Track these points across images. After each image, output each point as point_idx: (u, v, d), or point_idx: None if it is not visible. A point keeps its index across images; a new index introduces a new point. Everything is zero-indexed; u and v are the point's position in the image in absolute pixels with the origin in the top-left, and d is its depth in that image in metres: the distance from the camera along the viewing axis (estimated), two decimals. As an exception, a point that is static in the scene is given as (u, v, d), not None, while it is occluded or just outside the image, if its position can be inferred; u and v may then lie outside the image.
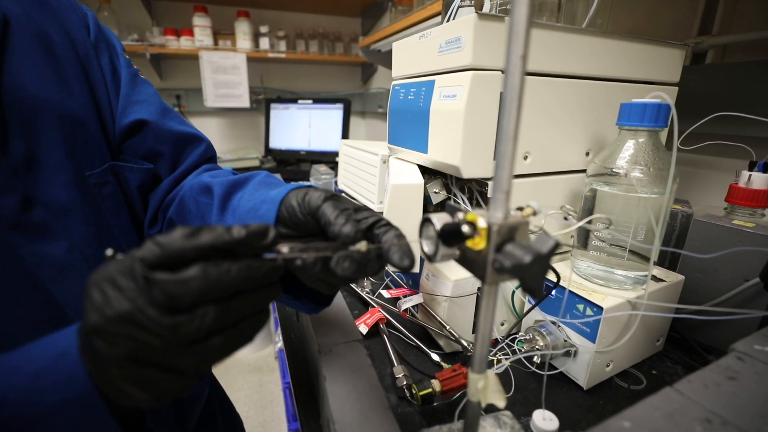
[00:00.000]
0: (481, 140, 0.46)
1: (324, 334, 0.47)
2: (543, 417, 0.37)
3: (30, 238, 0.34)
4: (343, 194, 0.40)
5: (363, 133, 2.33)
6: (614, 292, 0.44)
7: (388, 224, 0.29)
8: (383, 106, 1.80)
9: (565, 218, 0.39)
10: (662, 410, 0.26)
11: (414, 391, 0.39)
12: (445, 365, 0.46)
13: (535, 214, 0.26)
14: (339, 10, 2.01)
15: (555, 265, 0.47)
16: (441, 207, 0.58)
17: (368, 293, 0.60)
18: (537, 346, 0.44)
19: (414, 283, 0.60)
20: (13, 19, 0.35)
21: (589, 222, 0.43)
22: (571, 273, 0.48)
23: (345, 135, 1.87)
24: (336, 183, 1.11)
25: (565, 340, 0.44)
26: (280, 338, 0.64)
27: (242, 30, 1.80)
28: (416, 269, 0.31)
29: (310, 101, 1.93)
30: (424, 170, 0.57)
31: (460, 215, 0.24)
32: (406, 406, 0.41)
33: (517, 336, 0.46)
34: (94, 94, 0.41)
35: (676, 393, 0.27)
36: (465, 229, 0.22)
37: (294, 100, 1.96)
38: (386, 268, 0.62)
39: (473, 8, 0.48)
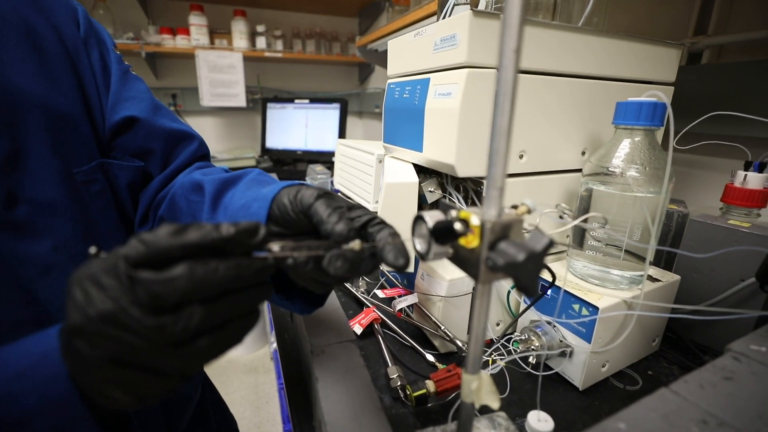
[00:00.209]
0: (477, 138, 0.45)
1: (317, 334, 0.47)
2: (538, 418, 0.36)
3: (13, 236, 0.33)
4: (338, 194, 0.39)
5: (360, 133, 2.32)
6: (610, 292, 0.43)
7: (382, 222, 0.29)
8: (380, 106, 1.79)
9: (561, 217, 0.39)
10: (658, 411, 0.25)
11: (408, 392, 0.39)
12: (440, 366, 0.46)
13: (529, 212, 0.26)
14: (336, 10, 2.00)
15: (550, 265, 0.47)
16: (436, 206, 0.58)
17: (363, 293, 0.60)
18: (532, 347, 0.44)
19: (409, 283, 0.59)
20: None
21: (585, 221, 0.43)
22: (566, 273, 0.47)
23: (342, 135, 1.87)
24: (332, 183, 1.11)
25: (561, 341, 0.44)
26: (275, 339, 0.63)
27: (239, 29, 1.79)
28: (411, 269, 0.30)
29: (307, 101, 1.92)
30: (420, 169, 0.56)
31: (453, 213, 0.23)
32: (400, 407, 0.41)
33: (513, 336, 0.46)
34: (84, 90, 0.40)
35: (671, 394, 0.27)
36: (457, 226, 0.22)
37: (291, 100, 1.95)
38: (381, 268, 0.62)
39: (468, 6, 0.48)
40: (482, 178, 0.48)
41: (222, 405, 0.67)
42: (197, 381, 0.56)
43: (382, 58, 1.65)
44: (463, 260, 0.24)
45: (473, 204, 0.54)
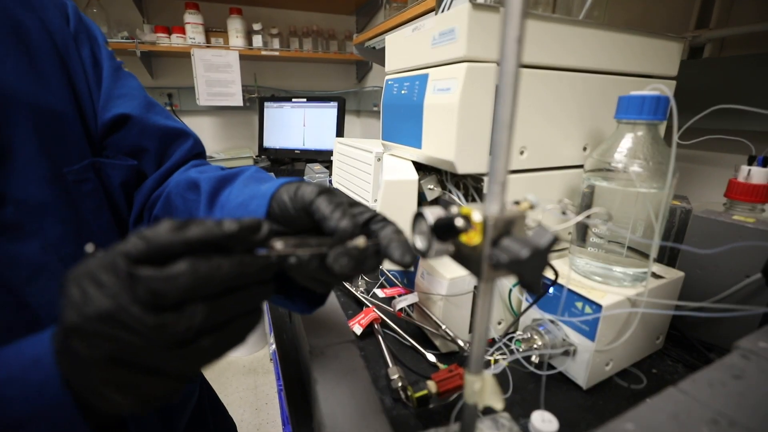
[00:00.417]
0: (476, 134, 0.44)
1: (316, 335, 0.46)
2: (542, 418, 0.35)
3: (1, 237, 0.32)
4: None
5: (358, 131, 2.31)
6: (613, 290, 0.43)
7: (385, 219, 0.28)
8: (378, 105, 1.78)
9: (564, 213, 0.38)
10: (666, 411, 0.25)
11: (409, 393, 0.38)
12: (441, 366, 0.45)
13: (532, 207, 0.25)
14: (333, 8, 1.99)
15: (553, 262, 0.46)
16: (436, 204, 0.57)
17: (362, 293, 0.59)
18: (535, 346, 0.43)
19: (409, 282, 0.59)
20: None
21: (588, 216, 0.42)
22: (569, 270, 0.47)
23: (340, 133, 1.86)
24: (330, 182, 1.10)
25: (564, 339, 0.43)
26: (274, 340, 0.63)
27: (235, 27, 1.78)
28: (411, 267, 0.30)
29: (305, 100, 1.91)
30: (419, 166, 0.55)
31: (454, 209, 0.23)
32: (401, 409, 0.40)
33: (515, 335, 0.45)
34: (74, 87, 0.39)
35: (680, 393, 0.26)
36: (459, 222, 0.21)
37: (288, 99, 1.94)
38: (381, 267, 0.61)
39: (468, -1, 0.47)
40: (482, 174, 0.47)
41: (220, 407, 0.66)
42: (195, 382, 0.55)
43: (379, 55, 1.64)
44: (465, 258, 0.23)
45: (473, 201, 0.53)
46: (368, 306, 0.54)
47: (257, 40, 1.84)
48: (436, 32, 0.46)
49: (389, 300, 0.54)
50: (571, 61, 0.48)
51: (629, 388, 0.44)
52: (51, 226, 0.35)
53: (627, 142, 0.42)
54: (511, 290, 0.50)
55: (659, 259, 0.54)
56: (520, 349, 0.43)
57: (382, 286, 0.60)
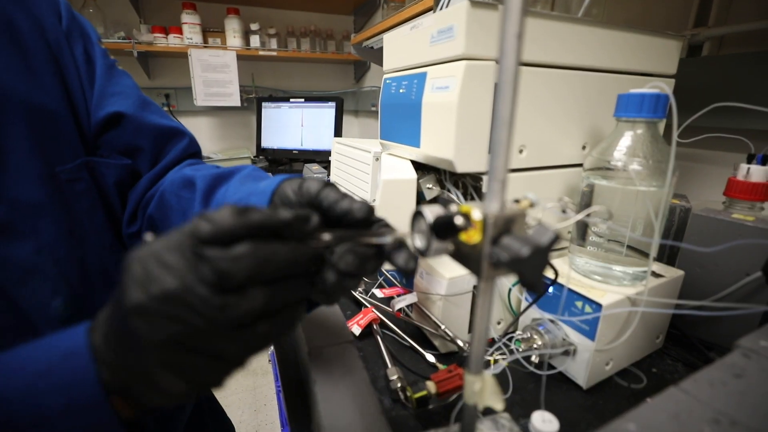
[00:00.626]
0: (475, 133, 0.44)
1: (315, 336, 0.45)
2: (542, 419, 0.35)
3: None
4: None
5: (356, 131, 2.31)
6: (613, 289, 0.42)
7: (388, 225, 0.28)
8: (376, 104, 1.78)
9: (564, 211, 0.38)
10: (668, 411, 0.24)
11: (408, 394, 0.38)
12: (440, 366, 0.45)
13: (532, 205, 0.25)
14: (331, 8, 1.99)
15: (552, 262, 0.46)
16: (435, 203, 0.57)
17: (361, 293, 0.58)
18: (535, 345, 0.43)
19: (408, 282, 0.58)
20: None
21: (588, 215, 0.42)
22: (569, 269, 0.47)
23: (338, 134, 1.85)
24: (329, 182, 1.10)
25: (564, 339, 0.43)
26: (271, 340, 0.62)
27: (232, 27, 1.77)
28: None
29: (302, 100, 1.91)
30: (418, 166, 0.55)
31: (454, 207, 0.22)
32: (401, 409, 0.40)
33: (515, 335, 0.45)
34: (67, 86, 0.38)
35: (681, 393, 0.26)
36: (458, 220, 0.21)
37: (286, 99, 1.93)
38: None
39: (466, -4, 0.47)
40: (482, 173, 0.47)
41: (219, 408, 0.65)
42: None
43: (377, 55, 1.64)
44: (465, 256, 0.23)
45: (473, 200, 0.53)
46: (367, 306, 0.54)
47: (255, 40, 1.83)
48: (435, 30, 0.45)
49: (388, 300, 0.54)
50: (569, 59, 0.47)
51: (629, 387, 0.44)
52: (44, 226, 0.35)
53: (626, 140, 0.42)
54: (510, 289, 0.50)
55: (659, 258, 0.54)
56: (520, 349, 0.43)
57: (380, 287, 0.59)
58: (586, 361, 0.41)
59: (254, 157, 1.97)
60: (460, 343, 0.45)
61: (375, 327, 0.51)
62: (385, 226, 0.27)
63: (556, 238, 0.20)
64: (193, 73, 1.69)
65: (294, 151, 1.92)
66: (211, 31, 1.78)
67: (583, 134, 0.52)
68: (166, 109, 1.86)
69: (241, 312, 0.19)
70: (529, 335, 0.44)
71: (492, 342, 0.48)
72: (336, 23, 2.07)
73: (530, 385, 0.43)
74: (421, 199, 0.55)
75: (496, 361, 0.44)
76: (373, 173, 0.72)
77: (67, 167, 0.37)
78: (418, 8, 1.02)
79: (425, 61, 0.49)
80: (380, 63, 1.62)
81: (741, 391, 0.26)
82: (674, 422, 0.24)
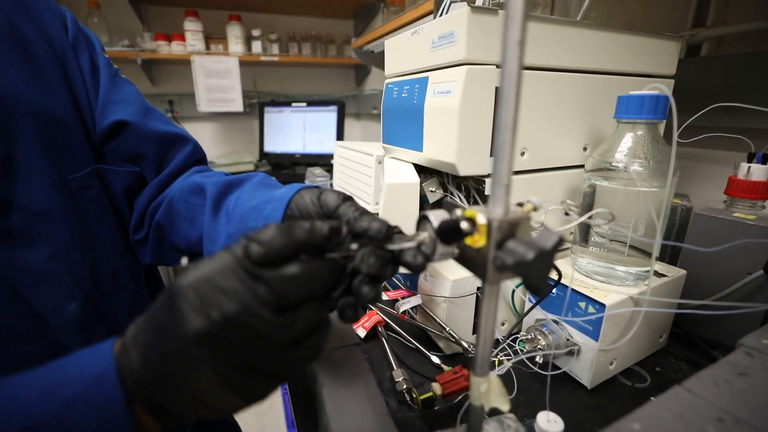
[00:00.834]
0: (477, 136, 0.45)
1: (321, 338, 0.46)
2: (548, 419, 0.35)
3: (8, 244, 0.33)
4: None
5: (358, 135, 2.32)
6: (616, 289, 0.43)
7: (401, 232, 0.29)
8: (378, 108, 1.79)
9: (567, 213, 0.38)
10: (672, 410, 0.25)
11: (414, 395, 0.38)
12: (445, 368, 0.45)
13: (535, 209, 0.25)
14: (331, 13, 2.00)
15: (556, 263, 0.46)
16: (438, 206, 0.57)
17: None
18: (539, 346, 0.43)
19: (412, 284, 0.59)
20: None
21: (590, 217, 0.42)
22: (572, 270, 0.47)
23: (340, 137, 1.86)
24: (332, 185, 1.10)
25: (568, 339, 0.43)
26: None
27: (234, 34, 1.79)
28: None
29: (304, 104, 1.92)
30: (420, 169, 0.56)
31: (458, 212, 0.23)
32: (407, 411, 0.40)
33: (519, 336, 0.45)
34: (74, 95, 0.39)
35: (685, 392, 0.26)
36: (464, 225, 0.21)
37: (288, 103, 1.95)
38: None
39: (465, 2, 0.47)
40: (484, 176, 0.48)
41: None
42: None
43: (378, 59, 1.65)
44: (469, 260, 0.23)
45: (475, 203, 0.53)
46: (372, 309, 0.54)
47: (256, 46, 1.85)
48: (436, 36, 0.46)
49: (392, 302, 0.54)
50: (569, 61, 0.48)
51: (633, 386, 0.44)
52: (57, 232, 0.36)
53: (627, 141, 0.43)
54: (514, 291, 0.50)
55: (661, 258, 0.54)
56: (524, 350, 0.43)
57: (385, 289, 0.60)
58: (590, 361, 0.42)
59: (257, 161, 1.98)
60: (465, 345, 0.45)
61: (380, 329, 0.52)
62: (399, 233, 0.28)
63: (560, 241, 0.20)
64: (196, 80, 1.71)
65: (296, 155, 1.93)
66: (214, 37, 1.80)
67: (584, 136, 0.52)
68: (169, 115, 1.87)
69: (299, 329, 0.20)
70: (533, 336, 0.44)
71: (496, 343, 0.49)
72: (336, 28, 2.09)
73: (535, 385, 0.44)
74: (424, 202, 0.56)
75: (500, 362, 0.44)
76: (375, 176, 0.73)
77: (78, 175, 0.38)
78: (418, 12, 1.02)
79: (426, 66, 0.49)
80: (381, 66, 1.63)
81: (745, 389, 0.26)
82: (679, 421, 0.24)
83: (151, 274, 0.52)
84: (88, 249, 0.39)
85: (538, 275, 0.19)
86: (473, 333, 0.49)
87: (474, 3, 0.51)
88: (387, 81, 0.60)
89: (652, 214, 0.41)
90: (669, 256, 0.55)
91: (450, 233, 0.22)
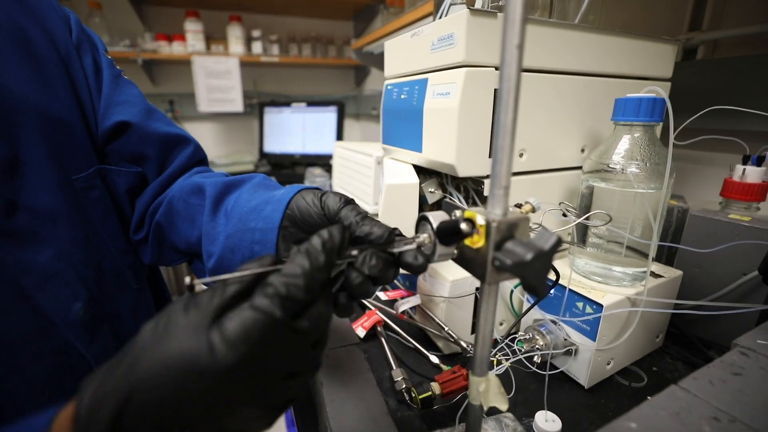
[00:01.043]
0: (476, 138, 0.45)
1: (320, 338, 0.46)
2: (545, 418, 0.36)
3: (14, 245, 0.33)
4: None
5: (357, 135, 2.32)
6: (613, 289, 0.43)
7: (402, 234, 0.29)
8: (377, 108, 1.79)
9: (564, 215, 0.39)
10: (668, 409, 0.25)
11: (413, 395, 0.38)
12: (444, 367, 0.45)
13: (534, 210, 0.26)
14: (331, 14, 2.01)
15: (554, 263, 0.46)
16: (437, 207, 0.58)
17: (365, 296, 0.59)
18: (537, 346, 0.44)
19: (411, 285, 0.59)
20: None
21: (588, 218, 0.43)
22: (571, 271, 0.47)
23: (339, 137, 1.86)
24: (331, 185, 1.11)
25: (565, 339, 0.44)
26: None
27: (234, 34, 1.79)
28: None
29: (304, 104, 1.92)
30: (419, 170, 0.56)
31: (458, 213, 0.23)
32: (406, 410, 0.40)
33: (517, 336, 0.46)
34: (78, 96, 0.39)
35: (681, 391, 0.27)
36: (463, 226, 0.22)
37: (287, 104, 1.95)
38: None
39: (465, 5, 0.48)
40: (483, 177, 0.48)
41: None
42: None
43: (377, 60, 1.65)
44: (469, 261, 0.23)
45: (474, 204, 0.54)
46: (371, 309, 0.55)
47: (257, 47, 1.85)
48: (435, 38, 0.46)
49: (392, 303, 0.54)
50: (568, 64, 0.48)
51: (630, 386, 0.44)
52: (62, 232, 0.36)
53: (624, 143, 0.43)
54: (512, 291, 0.50)
55: (657, 258, 0.54)
56: (522, 350, 0.43)
57: (384, 289, 0.60)
58: (587, 361, 0.42)
59: (257, 161, 1.98)
60: (464, 344, 0.46)
61: (379, 329, 0.52)
62: (399, 235, 0.28)
63: (559, 242, 0.20)
64: (197, 80, 1.71)
65: (296, 155, 1.93)
66: (214, 38, 1.80)
67: (582, 137, 0.53)
68: (170, 115, 1.87)
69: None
70: (531, 336, 0.44)
71: (495, 343, 0.49)
72: (336, 29, 2.09)
73: (533, 385, 0.44)
74: (423, 202, 0.56)
75: (499, 361, 0.45)
76: (375, 177, 0.73)
77: (81, 175, 0.38)
78: (417, 14, 1.03)
79: (426, 68, 0.50)
80: (380, 67, 1.63)
81: (740, 388, 0.27)
82: (675, 420, 0.24)
83: (153, 273, 0.52)
84: (92, 249, 0.39)
85: (536, 276, 0.20)
86: (472, 333, 0.50)
87: (473, 5, 0.51)
88: (387, 82, 0.60)
89: (649, 215, 0.42)
90: (665, 256, 0.56)
91: (449, 234, 0.22)
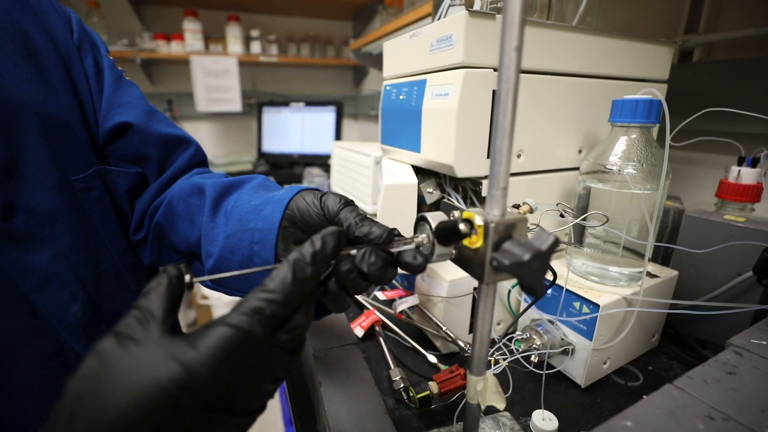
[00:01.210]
0: (475, 139, 0.45)
1: (319, 338, 0.46)
2: (542, 417, 0.36)
3: (12, 247, 0.33)
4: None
5: (356, 135, 2.32)
6: (610, 289, 0.43)
7: (401, 235, 0.29)
8: (376, 108, 1.79)
9: (562, 215, 0.39)
10: (663, 408, 0.25)
11: (411, 394, 0.39)
12: (442, 367, 0.45)
13: (532, 211, 0.26)
14: (330, 14, 2.01)
15: (551, 263, 0.47)
16: (435, 207, 0.58)
17: (363, 295, 0.59)
18: (534, 345, 0.44)
19: (409, 284, 0.59)
20: None
21: (585, 219, 0.43)
22: (568, 271, 0.48)
23: (338, 137, 1.87)
24: (329, 185, 1.11)
25: (562, 339, 0.44)
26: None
27: (233, 34, 1.78)
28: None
29: (303, 104, 1.92)
30: (418, 170, 0.56)
31: (456, 213, 0.23)
32: (404, 410, 0.41)
33: (514, 335, 0.46)
34: (79, 97, 0.39)
35: (676, 390, 0.27)
36: (462, 227, 0.22)
37: (286, 104, 1.95)
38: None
39: (463, 6, 0.48)
40: (481, 177, 0.48)
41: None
42: None
43: (376, 60, 1.66)
44: (467, 261, 0.24)
45: (472, 204, 0.54)
46: (369, 308, 0.55)
47: (255, 47, 1.85)
48: (434, 39, 0.47)
49: (390, 302, 0.55)
50: (565, 65, 0.49)
51: (626, 385, 0.45)
52: (61, 234, 0.36)
53: (621, 144, 0.44)
54: (510, 291, 0.51)
55: (654, 259, 0.55)
56: (520, 349, 0.44)
57: (382, 289, 0.60)
58: (584, 360, 0.42)
59: (255, 161, 1.98)
60: (461, 344, 0.46)
61: (377, 329, 0.52)
62: (398, 236, 0.28)
63: (556, 242, 0.21)
64: (195, 79, 1.70)
65: (294, 155, 1.93)
66: (213, 37, 1.80)
67: (579, 139, 0.53)
68: (168, 114, 1.87)
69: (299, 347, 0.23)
70: (528, 335, 0.45)
71: (492, 342, 0.49)
72: (335, 29, 2.09)
73: (530, 384, 0.44)
74: (421, 203, 0.56)
75: (496, 361, 0.45)
76: (373, 177, 0.73)
77: (81, 176, 0.38)
78: (416, 15, 1.03)
79: (425, 69, 0.50)
80: (379, 67, 1.63)
81: (734, 387, 0.27)
82: (670, 418, 0.25)
83: (153, 275, 0.52)
84: (91, 250, 0.39)
85: (534, 276, 0.20)
86: (470, 332, 0.50)
87: (472, 7, 0.51)
88: (385, 83, 0.61)
89: (645, 216, 0.42)
90: (661, 257, 0.56)
91: (448, 234, 0.22)
